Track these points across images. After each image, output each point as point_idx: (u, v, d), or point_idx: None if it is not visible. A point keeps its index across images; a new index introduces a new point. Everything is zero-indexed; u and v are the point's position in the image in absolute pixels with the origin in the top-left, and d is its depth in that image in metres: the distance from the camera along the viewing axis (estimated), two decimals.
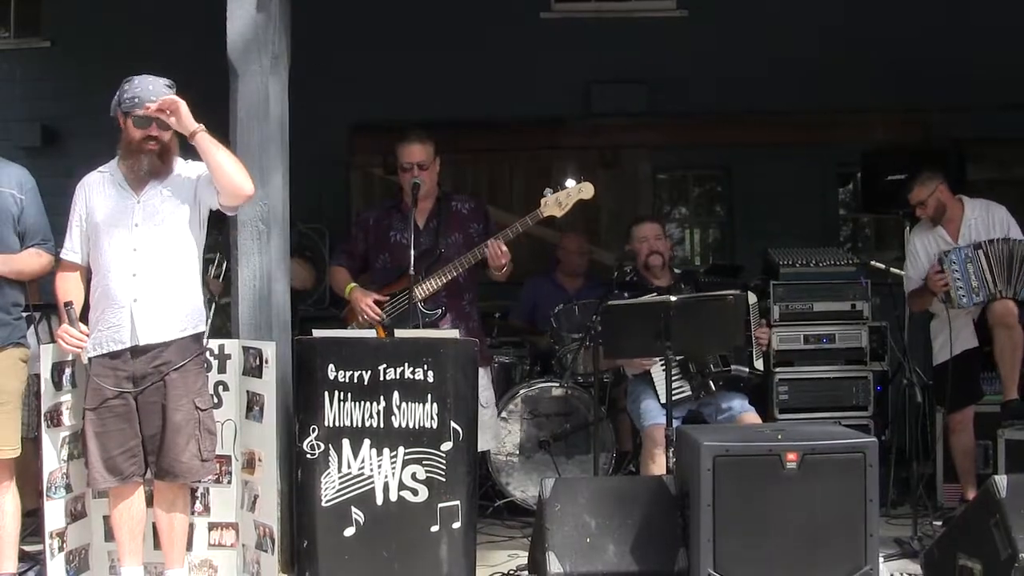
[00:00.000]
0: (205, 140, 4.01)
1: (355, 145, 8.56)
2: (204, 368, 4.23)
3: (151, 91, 4.02)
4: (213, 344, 4.40)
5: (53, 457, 4.14)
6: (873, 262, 5.78)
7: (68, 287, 4.14)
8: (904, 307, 5.74)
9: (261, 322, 4.56)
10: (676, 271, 5.55)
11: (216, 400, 4.36)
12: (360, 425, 4.29)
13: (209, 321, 5.08)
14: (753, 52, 8.27)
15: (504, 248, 4.80)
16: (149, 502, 4.21)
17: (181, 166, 4.17)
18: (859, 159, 7.88)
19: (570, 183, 4.85)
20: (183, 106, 4.01)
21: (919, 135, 8.20)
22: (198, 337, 4.18)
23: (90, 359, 4.07)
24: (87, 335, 4.04)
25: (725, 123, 8.54)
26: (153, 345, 4.04)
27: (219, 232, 5.34)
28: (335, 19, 7.69)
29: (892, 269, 5.54)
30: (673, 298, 4.54)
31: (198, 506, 4.42)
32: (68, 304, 4.05)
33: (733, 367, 4.98)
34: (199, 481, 4.28)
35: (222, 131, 4.60)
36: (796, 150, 8.50)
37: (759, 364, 5.15)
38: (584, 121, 8.65)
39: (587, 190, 4.85)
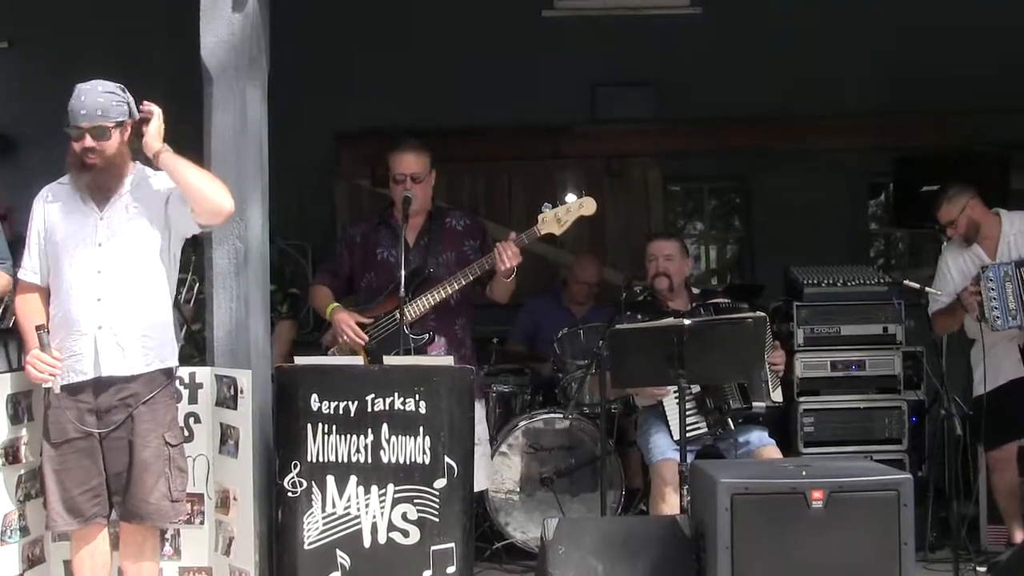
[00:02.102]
0: (171, 161, 4.04)
1: (341, 155, 8.56)
2: (174, 399, 4.23)
3: (83, 102, 3.99)
4: (183, 372, 4.41)
5: (7, 498, 4.13)
6: (907, 281, 5.78)
7: (31, 309, 4.12)
8: None
9: (238, 349, 4.56)
10: (695, 291, 5.56)
11: (187, 433, 4.37)
12: (346, 460, 4.30)
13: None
14: (774, 51, 8.28)
15: (517, 250, 4.81)
16: (115, 545, 4.21)
17: (149, 178, 4.16)
18: (891, 168, 7.89)
19: (570, 198, 4.88)
20: (153, 124, 4.04)
21: (958, 141, 8.20)
22: (168, 371, 4.17)
23: (49, 390, 4.04)
24: (60, 360, 3.99)
25: (743, 129, 8.54)
26: (117, 378, 4.03)
27: (192, 251, 5.35)
28: (318, 17, 7.72)
29: (928, 289, 5.54)
30: (686, 321, 4.55)
31: (168, 549, 4.41)
32: (40, 327, 4.00)
33: (754, 403, 5.00)
34: (168, 523, 4.27)
35: (195, 140, 4.64)
36: (822, 158, 8.48)
37: (777, 395, 5.16)
38: (589, 127, 8.66)
39: (588, 206, 4.88)
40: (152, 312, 4.11)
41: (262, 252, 4.70)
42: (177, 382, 4.30)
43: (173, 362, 4.19)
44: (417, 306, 4.90)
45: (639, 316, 5.17)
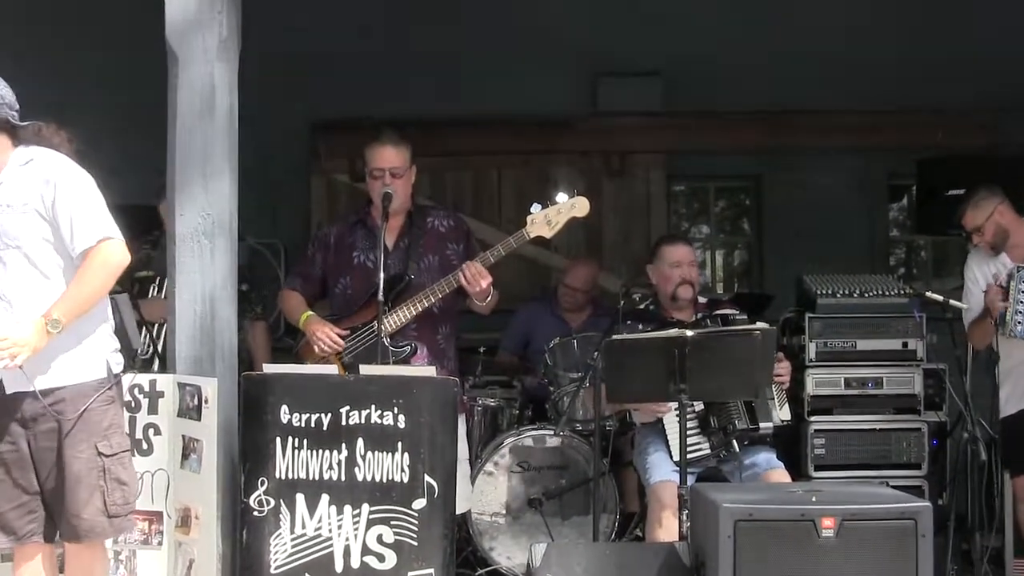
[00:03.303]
0: (70, 317, 3.85)
1: (317, 146, 8.58)
2: (113, 403, 4.04)
3: None
4: (143, 380, 4.40)
5: None
6: (929, 293, 5.81)
7: None
8: (966, 347, 5.76)
9: (203, 355, 4.55)
10: (700, 300, 5.57)
11: (146, 446, 4.37)
12: (317, 477, 4.31)
13: (157, 351, 5.08)
14: (790, 41, 8.30)
15: (483, 270, 4.82)
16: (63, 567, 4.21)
17: (26, 173, 3.92)
18: (914, 169, 7.92)
19: (561, 197, 4.89)
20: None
21: (985, 140, 8.24)
22: (98, 383, 3.99)
23: None
24: None
25: (756, 124, 8.58)
26: (25, 393, 3.90)
27: (152, 246, 5.35)
28: None
29: (952, 301, 5.56)
30: (689, 332, 4.57)
31: (122, 571, 4.42)
32: None
33: (762, 425, 5.01)
34: (116, 539, 4.22)
35: (159, 126, 4.65)
36: (839, 157, 8.53)
37: (784, 412, 5.18)
38: (588, 120, 8.68)
39: (581, 206, 4.89)
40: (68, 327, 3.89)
41: (231, 250, 4.69)
42: (136, 390, 4.27)
43: (101, 371, 3.99)
44: (397, 316, 4.90)
45: (640, 326, 5.18)
